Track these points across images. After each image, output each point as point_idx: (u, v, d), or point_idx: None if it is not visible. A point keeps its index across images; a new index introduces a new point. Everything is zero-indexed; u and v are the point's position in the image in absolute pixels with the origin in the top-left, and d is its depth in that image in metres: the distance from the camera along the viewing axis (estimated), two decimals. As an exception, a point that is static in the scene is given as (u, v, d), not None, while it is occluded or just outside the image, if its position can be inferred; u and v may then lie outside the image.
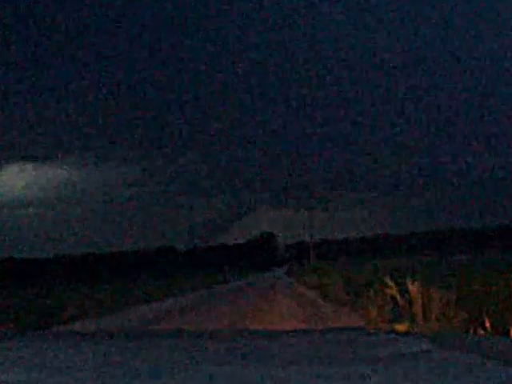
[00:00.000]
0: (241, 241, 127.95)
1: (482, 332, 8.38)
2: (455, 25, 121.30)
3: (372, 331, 3.27)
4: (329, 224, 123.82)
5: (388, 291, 10.99)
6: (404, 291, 10.43)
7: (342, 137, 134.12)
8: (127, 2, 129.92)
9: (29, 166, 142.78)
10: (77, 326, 15.82)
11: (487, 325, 8.51)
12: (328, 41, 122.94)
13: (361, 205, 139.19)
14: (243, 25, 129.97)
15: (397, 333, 2.95)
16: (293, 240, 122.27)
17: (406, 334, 3.00)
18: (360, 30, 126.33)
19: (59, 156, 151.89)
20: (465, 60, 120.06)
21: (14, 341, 3.06)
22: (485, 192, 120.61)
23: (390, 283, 10.87)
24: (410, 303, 10.00)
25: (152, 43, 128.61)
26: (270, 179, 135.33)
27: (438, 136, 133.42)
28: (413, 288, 9.99)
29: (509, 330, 8.18)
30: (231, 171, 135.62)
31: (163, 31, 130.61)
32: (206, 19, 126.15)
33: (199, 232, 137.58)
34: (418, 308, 9.74)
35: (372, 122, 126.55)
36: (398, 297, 10.51)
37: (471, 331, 8.56)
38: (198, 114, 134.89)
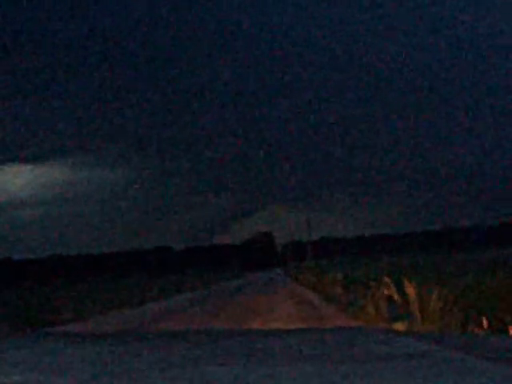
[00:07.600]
0: (239, 241, 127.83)
1: (479, 331, 8.38)
2: (453, 27, 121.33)
3: (370, 331, 3.27)
4: (327, 223, 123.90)
5: (386, 291, 10.99)
6: (402, 290, 10.43)
7: (342, 137, 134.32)
8: (124, 3, 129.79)
9: (27, 167, 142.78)
10: (74, 326, 15.79)
11: (485, 324, 8.52)
12: (329, 42, 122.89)
13: (360, 205, 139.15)
14: (243, 23, 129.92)
15: (395, 332, 2.95)
16: (291, 240, 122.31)
17: (405, 333, 3.01)
18: (358, 33, 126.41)
19: (57, 157, 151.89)
20: (466, 61, 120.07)
21: (11, 342, 3.06)
22: (484, 191, 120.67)
23: (389, 282, 10.86)
24: (408, 303, 10.01)
25: (149, 44, 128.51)
26: (270, 179, 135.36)
27: (438, 136, 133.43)
28: (410, 287, 9.99)
29: (507, 330, 8.18)
30: (231, 171, 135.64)
31: (159, 32, 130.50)
32: (205, 19, 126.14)
33: (198, 232, 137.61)
34: (415, 307, 9.74)
35: (372, 121, 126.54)
36: (396, 296, 10.51)
37: (469, 331, 8.56)
38: (198, 114, 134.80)
